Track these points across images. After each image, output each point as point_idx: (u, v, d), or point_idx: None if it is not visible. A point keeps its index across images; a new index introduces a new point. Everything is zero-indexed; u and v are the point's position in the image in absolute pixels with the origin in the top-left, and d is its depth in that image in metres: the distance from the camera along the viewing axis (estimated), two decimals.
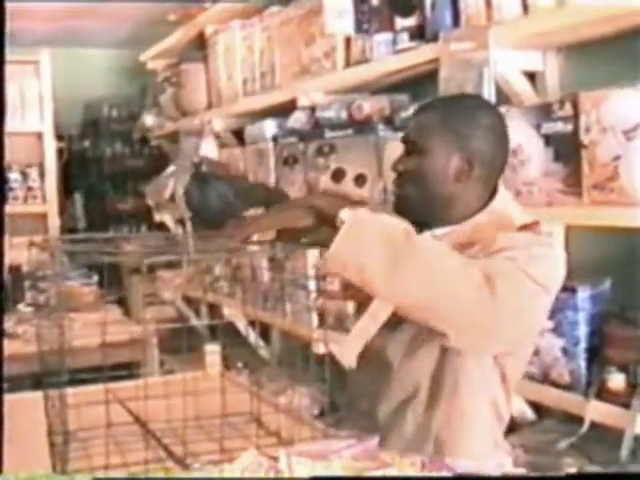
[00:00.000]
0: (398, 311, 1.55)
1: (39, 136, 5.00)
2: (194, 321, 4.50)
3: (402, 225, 1.50)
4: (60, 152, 5.53)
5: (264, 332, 4.13)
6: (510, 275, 1.47)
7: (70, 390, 1.60)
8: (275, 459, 1.03)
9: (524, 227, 1.64)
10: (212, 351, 2.28)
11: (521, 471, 1.60)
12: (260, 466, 1.00)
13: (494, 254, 1.53)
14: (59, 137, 5.38)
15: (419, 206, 1.72)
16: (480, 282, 1.42)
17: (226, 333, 3.38)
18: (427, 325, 1.51)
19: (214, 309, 4.23)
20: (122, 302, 4.11)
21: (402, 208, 1.75)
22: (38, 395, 1.78)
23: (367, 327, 1.74)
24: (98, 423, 1.67)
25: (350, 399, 1.88)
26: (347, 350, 1.76)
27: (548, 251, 1.60)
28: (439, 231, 1.71)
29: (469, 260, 1.48)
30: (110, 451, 1.54)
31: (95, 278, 3.87)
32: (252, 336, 4.06)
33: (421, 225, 1.72)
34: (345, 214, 1.47)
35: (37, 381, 1.88)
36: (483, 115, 1.72)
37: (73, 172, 6.02)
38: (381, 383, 1.74)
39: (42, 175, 4.95)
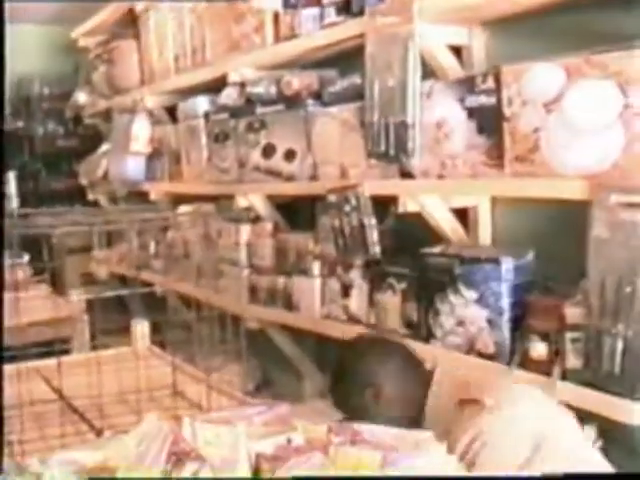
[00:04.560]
0: None
1: None
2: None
3: None
4: None
5: (198, 309, 4.10)
6: None
7: None
8: (178, 424, 1.04)
9: None
10: (139, 326, 2.27)
11: None
12: (160, 430, 1.01)
13: None
14: None
15: None
16: None
17: (160, 310, 3.36)
18: None
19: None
20: (55, 282, 4.04)
21: None
22: None
23: None
24: (24, 400, 1.65)
25: None
26: None
27: None
28: None
29: None
30: (30, 427, 1.53)
31: (26, 257, 3.81)
32: (186, 313, 4.03)
33: None
34: None
35: None
36: None
37: (5, 151, 5.89)
38: None
39: None
